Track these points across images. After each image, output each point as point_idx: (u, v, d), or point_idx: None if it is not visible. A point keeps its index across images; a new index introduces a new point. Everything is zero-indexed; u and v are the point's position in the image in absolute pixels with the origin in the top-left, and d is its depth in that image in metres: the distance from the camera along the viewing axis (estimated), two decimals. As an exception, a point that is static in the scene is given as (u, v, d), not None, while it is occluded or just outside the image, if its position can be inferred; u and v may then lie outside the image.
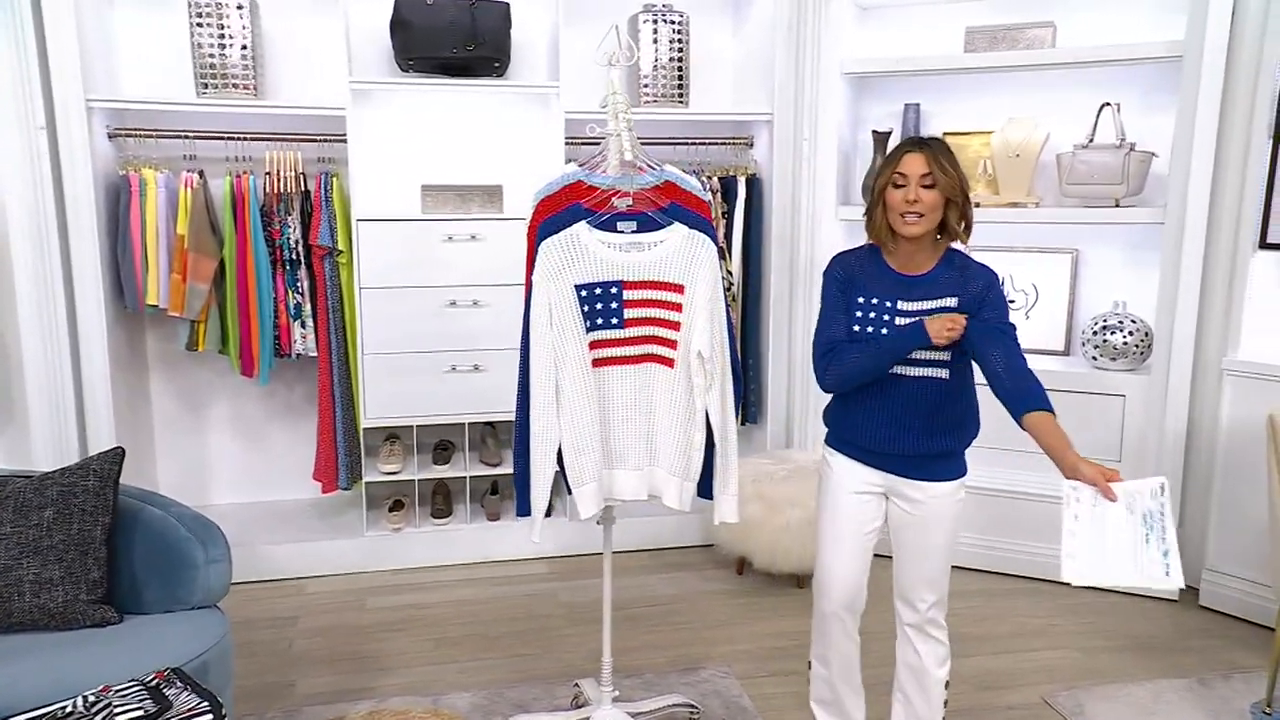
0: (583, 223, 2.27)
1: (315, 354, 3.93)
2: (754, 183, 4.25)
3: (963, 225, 2.31)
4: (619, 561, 3.98)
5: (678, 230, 2.32)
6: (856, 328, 2.31)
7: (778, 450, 4.23)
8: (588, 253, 2.27)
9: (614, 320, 2.30)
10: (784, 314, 4.23)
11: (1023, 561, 3.95)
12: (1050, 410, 2.17)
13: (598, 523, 2.62)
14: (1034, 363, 3.98)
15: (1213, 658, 3.29)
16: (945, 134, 4.22)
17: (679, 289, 2.32)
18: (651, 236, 2.31)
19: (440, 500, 4.14)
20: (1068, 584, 2.02)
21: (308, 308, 3.91)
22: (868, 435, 2.35)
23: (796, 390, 4.24)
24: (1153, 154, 3.73)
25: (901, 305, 2.30)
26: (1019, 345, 2.29)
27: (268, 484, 4.33)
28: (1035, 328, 4.15)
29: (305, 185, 3.90)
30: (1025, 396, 2.18)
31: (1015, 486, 3.95)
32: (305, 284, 3.90)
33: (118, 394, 3.70)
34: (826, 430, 2.50)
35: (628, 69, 4.15)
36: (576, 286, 2.26)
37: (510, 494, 4.21)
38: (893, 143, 4.13)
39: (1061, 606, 3.67)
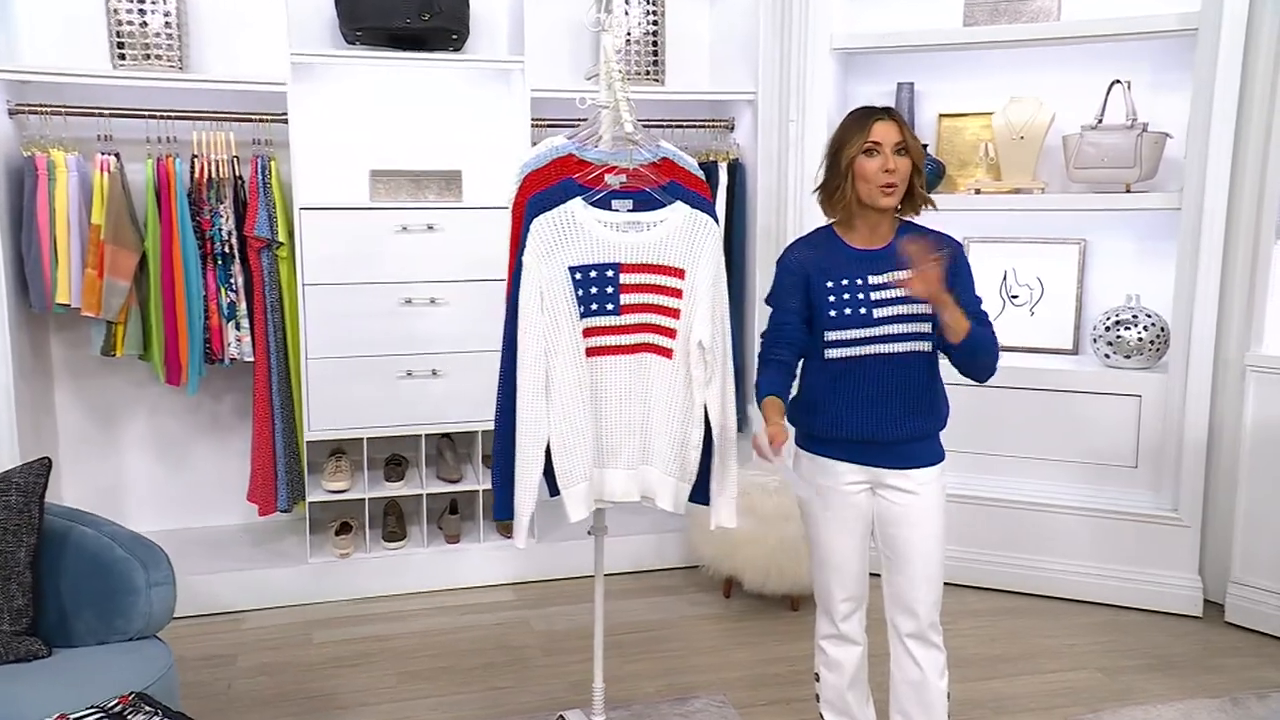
0: (578, 199, 2.29)
1: (251, 359, 3.88)
2: (736, 168, 4.30)
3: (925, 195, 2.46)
4: (593, 585, 3.97)
5: (679, 209, 2.35)
6: (833, 312, 2.40)
7: (765, 461, 4.25)
8: (583, 231, 2.29)
9: (609, 306, 2.33)
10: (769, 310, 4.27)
11: (1029, 578, 4.02)
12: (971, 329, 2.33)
13: (589, 532, 2.63)
14: (1040, 362, 4.13)
15: (1244, 676, 3.38)
16: (942, 115, 4.33)
17: (679, 273, 2.35)
18: (651, 216, 2.34)
19: (393, 522, 4.10)
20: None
21: (243, 307, 3.86)
22: (848, 425, 2.41)
23: (785, 395, 4.27)
24: (1167, 135, 3.84)
25: (872, 280, 2.41)
26: (991, 330, 2.44)
27: (194, 508, 4.26)
28: (1041, 325, 4.25)
29: (238, 170, 3.86)
30: None
31: (1017, 496, 4.03)
32: (240, 280, 3.85)
33: (20, 406, 3.61)
34: (795, 431, 2.57)
35: (599, 45, 4.18)
36: (570, 268, 2.28)
37: (471, 514, 4.20)
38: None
39: (1076, 625, 3.75)
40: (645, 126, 4.11)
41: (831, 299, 2.41)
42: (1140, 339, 3.90)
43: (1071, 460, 4.03)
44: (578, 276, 2.29)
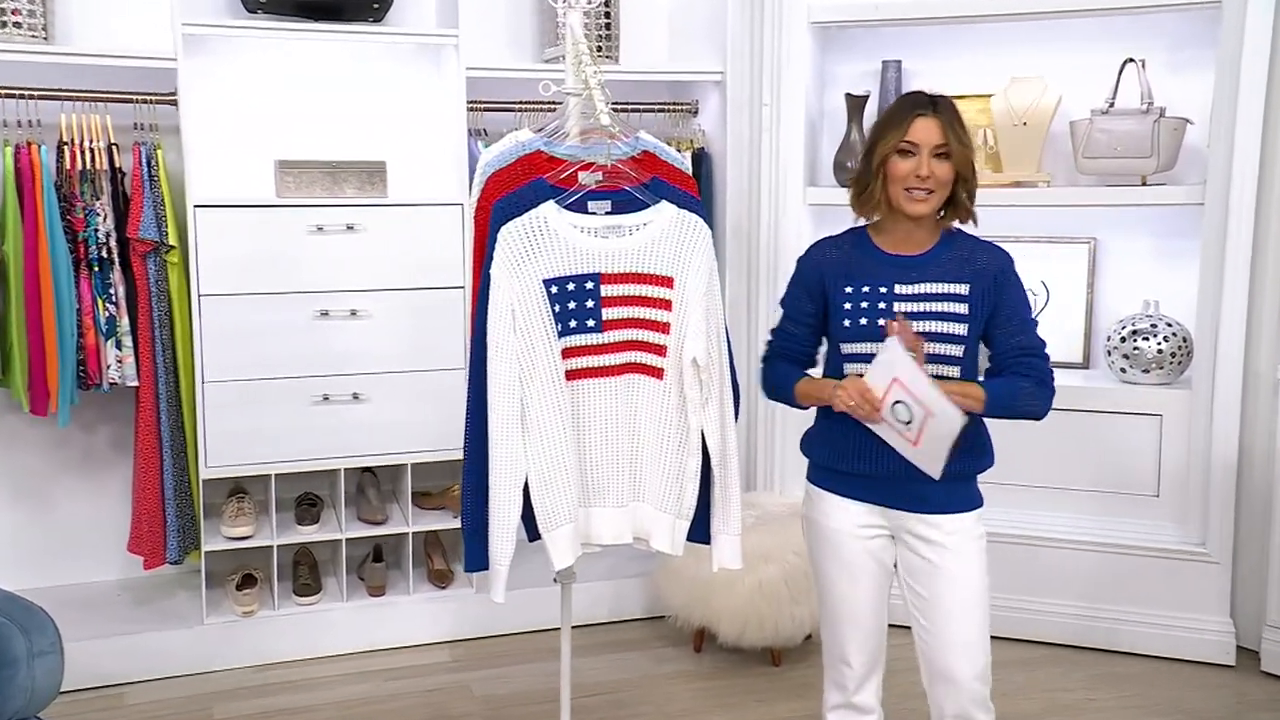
0: (550, 202, 2.31)
1: (135, 383, 3.81)
2: (702, 158, 4.34)
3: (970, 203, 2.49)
4: (543, 641, 3.98)
5: (665, 210, 2.37)
6: (847, 322, 2.43)
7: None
8: (557, 238, 2.30)
9: (590, 322, 2.35)
10: (743, 321, 4.31)
11: (1040, 623, 4.09)
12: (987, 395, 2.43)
13: (554, 580, 2.63)
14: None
15: (1284, 731, 3.50)
16: (934, 98, 4.40)
17: (668, 282, 2.37)
18: (634, 218, 2.36)
19: (305, 573, 4.06)
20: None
21: (124, 322, 3.79)
22: (865, 460, 2.44)
23: (759, 419, 4.31)
24: (1187, 120, 3.95)
25: (900, 289, 2.43)
26: (1049, 373, 2.51)
27: (63, 561, 4.17)
28: (1047, 335, 4.26)
29: (118, 160, 3.80)
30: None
31: (1024, 531, 4.09)
32: (120, 291, 3.78)
33: None
34: (808, 463, 2.60)
35: (543, 17, 4.19)
36: (545, 281, 2.29)
37: (397, 561, 4.17)
38: (871, 107, 4.29)
39: (1096, 676, 3.83)
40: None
41: (848, 306, 2.43)
42: (1160, 351, 4.00)
43: (1084, 489, 4.11)
44: (554, 290, 2.31)
